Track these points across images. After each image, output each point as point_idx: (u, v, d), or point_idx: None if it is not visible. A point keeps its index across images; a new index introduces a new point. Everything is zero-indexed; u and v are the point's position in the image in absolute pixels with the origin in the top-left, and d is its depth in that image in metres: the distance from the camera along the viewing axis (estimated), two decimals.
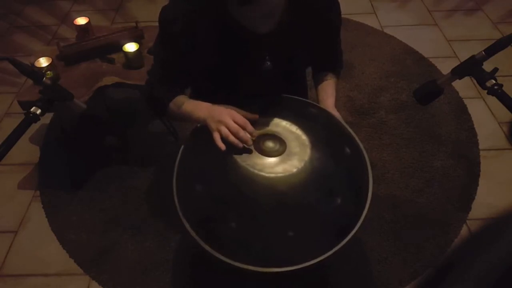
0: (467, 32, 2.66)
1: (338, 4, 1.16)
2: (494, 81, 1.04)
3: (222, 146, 0.95)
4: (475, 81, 1.10)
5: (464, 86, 2.19)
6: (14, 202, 1.83)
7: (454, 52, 2.51)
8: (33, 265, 1.62)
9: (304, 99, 1.17)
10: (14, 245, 1.69)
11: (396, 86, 2.29)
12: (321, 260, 0.89)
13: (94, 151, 2.02)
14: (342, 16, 1.20)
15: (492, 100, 1.10)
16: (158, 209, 1.75)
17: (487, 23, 2.75)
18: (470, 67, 1.08)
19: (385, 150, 1.96)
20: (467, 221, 1.69)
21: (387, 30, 2.70)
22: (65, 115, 2.03)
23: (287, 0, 1.00)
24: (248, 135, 0.96)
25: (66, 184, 1.87)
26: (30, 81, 1.76)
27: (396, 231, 1.65)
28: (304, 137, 1.00)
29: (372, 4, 2.95)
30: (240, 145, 0.95)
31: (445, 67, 2.37)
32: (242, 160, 0.95)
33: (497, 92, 1.03)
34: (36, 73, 1.10)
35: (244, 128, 0.97)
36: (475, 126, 2.07)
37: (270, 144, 0.99)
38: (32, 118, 1.05)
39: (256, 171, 0.93)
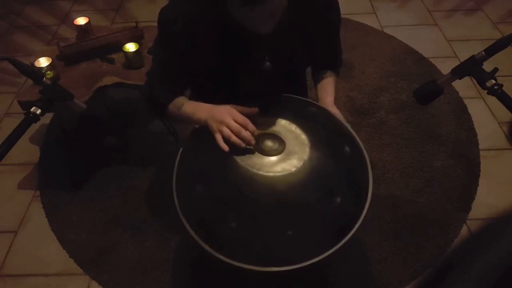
0: (467, 32, 2.66)
1: (337, 4, 1.16)
2: (494, 81, 1.04)
3: (225, 147, 0.94)
4: (475, 81, 1.10)
5: (464, 86, 2.19)
6: (14, 202, 1.83)
7: (454, 52, 2.51)
8: (33, 265, 1.62)
9: (304, 98, 1.17)
10: (14, 245, 1.69)
11: (396, 86, 2.29)
12: (321, 260, 0.89)
13: (94, 151, 2.02)
14: (342, 16, 1.20)
15: (492, 100, 1.11)
16: (158, 209, 1.75)
17: (487, 23, 2.75)
18: (470, 67, 1.08)
19: (385, 150, 1.96)
20: (467, 221, 1.69)
21: (387, 30, 2.70)
22: (65, 115, 2.03)
23: (288, 0, 1.00)
24: (250, 135, 0.96)
25: (66, 184, 1.87)
26: (30, 81, 1.76)
27: (396, 231, 1.65)
28: (303, 136, 1.00)
29: (372, 4, 2.95)
30: (243, 145, 0.95)
31: (445, 67, 2.37)
32: (242, 159, 0.95)
33: (497, 92, 1.03)
34: (36, 73, 1.10)
35: (245, 127, 0.96)
36: (475, 126, 2.07)
37: (269, 143, 0.99)
38: (32, 118, 1.05)
39: (255, 170, 0.93)
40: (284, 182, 0.93)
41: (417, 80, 2.29)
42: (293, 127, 1.02)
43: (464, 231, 1.66)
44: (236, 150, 0.95)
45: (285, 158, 0.96)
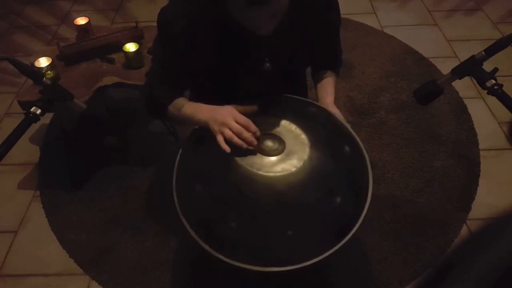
0: (467, 32, 2.66)
1: (337, 4, 1.16)
2: (494, 81, 1.04)
3: (227, 148, 0.94)
4: (475, 81, 1.10)
5: (464, 86, 2.19)
6: (14, 202, 1.83)
7: (454, 52, 2.51)
8: (33, 265, 1.62)
9: (304, 98, 1.17)
10: (14, 245, 1.69)
11: (396, 86, 2.29)
12: (321, 260, 0.89)
13: (94, 151, 2.02)
14: (342, 16, 1.20)
15: (492, 100, 1.11)
16: (158, 209, 1.75)
17: (487, 23, 2.75)
18: (470, 67, 1.08)
19: (385, 150, 1.96)
20: (467, 221, 1.69)
21: (387, 30, 2.70)
22: (65, 115, 2.03)
23: (289, 1, 1.00)
24: (252, 136, 0.95)
25: (66, 184, 1.87)
26: (30, 81, 1.76)
27: (396, 231, 1.65)
28: (303, 136, 1.00)
29: (372, 4, 2.95)
30: (245, 146, 0.94)
31: (445, 67, 2.37)
32: (242, 159, 0.95)
33: (497, 92, 1.03)
34: (36, 73, 1.10)
35: (247, 128, 0.95)
36: (475, 126, 2.07)
37: (269, 143, 0.99)
38: (32, 118, 1.05)
39: (255, 170, 0.93)
40: (284, 182, 0.93)
41: (417, 80, 2.29)
42: (293, 127, 1.02)
43: (464, 231, 1.66)
44: (236, 150, 0.95)
45: (285, 158, 0.96)
